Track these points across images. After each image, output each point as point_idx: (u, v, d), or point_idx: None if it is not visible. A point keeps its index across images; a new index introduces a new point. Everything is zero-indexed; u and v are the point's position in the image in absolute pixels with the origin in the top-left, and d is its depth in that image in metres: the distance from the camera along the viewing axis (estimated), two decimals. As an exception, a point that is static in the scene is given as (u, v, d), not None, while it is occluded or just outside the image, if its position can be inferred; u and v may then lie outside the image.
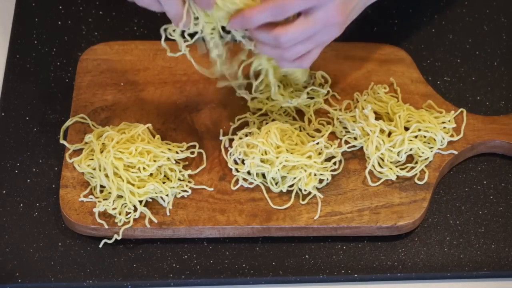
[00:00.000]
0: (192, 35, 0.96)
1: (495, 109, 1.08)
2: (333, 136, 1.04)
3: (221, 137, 1.03)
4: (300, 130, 1.04)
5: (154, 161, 0.99)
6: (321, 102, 1.05)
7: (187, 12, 0.93)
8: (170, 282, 0.98)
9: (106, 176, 0.98)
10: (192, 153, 1.03)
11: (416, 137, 1.02)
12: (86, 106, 1.06)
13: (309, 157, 1.00)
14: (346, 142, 1.03)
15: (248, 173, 1.01)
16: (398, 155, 1.02)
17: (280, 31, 0.93)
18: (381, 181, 1.01)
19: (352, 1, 0.95)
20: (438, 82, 1.10)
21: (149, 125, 1.02)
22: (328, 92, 1.07)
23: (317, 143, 1.01)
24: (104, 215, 0.98)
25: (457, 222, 1.01)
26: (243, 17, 0.92)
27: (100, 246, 0.98)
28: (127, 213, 0.98)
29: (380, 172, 1.01)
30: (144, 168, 0.99)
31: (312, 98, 1.06)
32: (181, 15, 0.93)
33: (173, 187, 1.00)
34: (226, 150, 1.02)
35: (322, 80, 1.08)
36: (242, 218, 0.99)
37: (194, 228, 0.98)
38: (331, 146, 1.02)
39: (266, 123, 1.04)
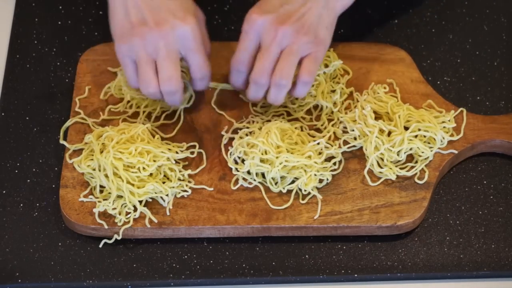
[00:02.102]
0: None
1: (495, 109, 1.08)
2: (333, 136, 1.04)
3: (223, 132, 1.03)
4: (302, 130, 1.04)
5: (154, 161, 0.99)
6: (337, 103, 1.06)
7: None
8: (170, 282, 0.98)
9: (106, 176, 0.98)
10: (192, 153, 1.03)
11: (416, 136, 1.02)
12: (86, 106, 1.06)
13: (309, 157, 1.00)
14: (346, 142, 1.03)
15: (248, 172, 1.01)
16: (398, 155, 1.02)
17: (256, 67, 1.00)
18: (381, 180, 1.01)
19: (293, 12, 0.99)
20: (438, 82, 1.10)
21: (148, 125, 1.02)
22: (351, 93, 1.07)
23: (318, 143, 1.01)
24: (104, 215, 0.98)
25: (457, 222, 1.01)
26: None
27: (100, 246, 0.98)
28: (127, 213, 0.98)
29: (380, 172, 1.01)
30: (143, 168, 0.99)
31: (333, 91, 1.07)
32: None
33: (173, 187, 1.00)
34: (226, 149, 1.02)
35: (342, 72, 1.08)
36: (242, 217, 0.98)
37: (194, 228, 0.98)
38: (332, 146, 1.02)
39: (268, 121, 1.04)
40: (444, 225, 1.01)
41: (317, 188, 1.00)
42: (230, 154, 1.02)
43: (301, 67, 0.99)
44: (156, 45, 0.98)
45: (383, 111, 1.04)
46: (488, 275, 0.99)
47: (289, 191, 1.00)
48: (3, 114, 1.07)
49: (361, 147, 1.02)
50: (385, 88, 1.07)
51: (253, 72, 1.00)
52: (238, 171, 1.01)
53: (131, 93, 1.05)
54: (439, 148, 1.03)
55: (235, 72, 1.02)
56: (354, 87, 1.07)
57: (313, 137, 1.03)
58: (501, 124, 1.05)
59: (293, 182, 1.00)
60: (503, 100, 1.09)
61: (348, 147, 1.03)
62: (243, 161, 1.01)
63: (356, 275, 0.98)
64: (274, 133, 1.00)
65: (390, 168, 1.01)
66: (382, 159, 1.01)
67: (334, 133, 1.04)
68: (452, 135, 1.04)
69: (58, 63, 1.11)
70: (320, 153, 1.01)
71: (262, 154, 1.00)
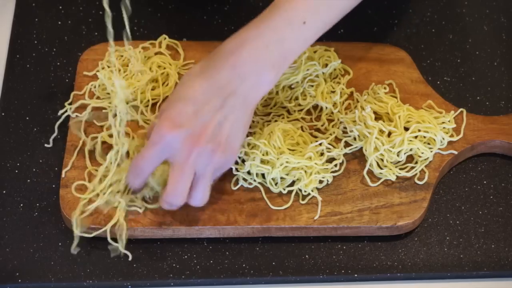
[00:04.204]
0: None
1: (495, 109, 1.08)
2: (334, 137, 1.04)
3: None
4: (303, 130, 1.04)
5: None
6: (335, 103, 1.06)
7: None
8: (170, 282, 0.98)
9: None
10: None
11: (416, 137, 1.02)
12: (86, 107, 1.06)
13: (310, 158, 1.00)
14: (347, 144, 1.03)
15: (248, 173, 1.01)
16: (398, 156, 1.02)
17: (164, 197, 0.93)
18: (381, 181, 1.01)
19: (210, 122, 0.90)
20: (438, 82, 1.10)
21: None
22: (352, 93, 1.07)
23: (320, 144, 1.01)
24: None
25: (457, 222, 1.01)
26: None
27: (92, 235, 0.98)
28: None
29: (380, 173, 1.01)
30: None
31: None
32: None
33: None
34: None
35: (342, 71, 1.08)
36: (242, 218, 0.99)
37: (194, 228, 0.98)
38: (334, 148, 1.02)
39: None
40: (444, 225, 1.01)
41: (317, 189, 1.00)
42: (230, 154, 1.02)
43: (195, 188, 0.93)
44: (206, 161, 0.92)
45: (383, 111, 1.04)
46: (488, 275, 0.99)
47: (289, 192, 1.00)
48: (3, 114, 1.07)
49: (362, 148, 1.02)
50: (385, 88, 1.07)
51: (166, 193, 0.92)
52: (238, 171, 1.01)
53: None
54: (439, 148, 1.03)
55: (133, 175, 0.94)
56: (354, 87, 1.07)
57: (315, 137, 1.03)
58: (501, 125, 1.05)
59: (293, 182, 1.00)
60: (503, 100, 1.09)
61: (350, 149, 1.03)
62: (243, 161, 1.01)
63: (356, 275, 0.98)
64: (277, 136, 1.00)
65: (390, 169, 1.01)
66: (382, 160, 1.01)
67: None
68: (452, 136, 1.04)
69: (58, 63, 1.11)
70: (322, 154, 1.01)
71: (263, 155, 1.00)
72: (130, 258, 0.97)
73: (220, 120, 0.91)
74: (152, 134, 0.91)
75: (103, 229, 0.96)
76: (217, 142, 0.91)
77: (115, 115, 0.98)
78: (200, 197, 0.94)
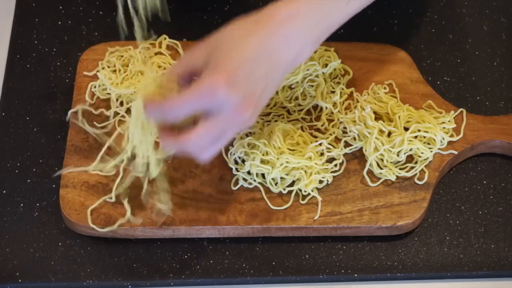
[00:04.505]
0: None
1: (495, 109, 1.08)
2: (335, 137, 1.04)
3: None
4: (303, 130, 1.04)
5: None
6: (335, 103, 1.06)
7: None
8: (170, 282, 0.98)
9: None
10: None
11: (416, 137, 1.02)
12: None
13: (310, 158, 1.00)
14: (347, 144, 1.03)
15: (248, 173, 1.01)
16: (397, 156, 1.02)
17: (184, 139, 0.88)
18: (380, 181, 1.01)
19: (256, 89, 0.88)
20: (438, 82, 1.10)
21: None
22: (352, 93, 1.07)
23: (320, 144, 1.01)
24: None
25: (457, 222, 1.01)
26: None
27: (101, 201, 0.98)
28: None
29: (379, 173, 1.01)
30: None
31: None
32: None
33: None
34: (227, 150, 1.02)
35: (342, 71, 1.08)
36: (242, 218, 0.99)
37: (194, 228, 0.98)
38: (334, 148, 1.02)
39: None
40: (444, 225, 1.01)
41: (317, 189, 1.00)
42: (230, 155, 1.02)
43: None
44: (240, 128, 0.90)
45: (383, 111, 1.04)
46: (488, 275, 0.99)
47: (289, 192, 1.00)
48: (3, 114, 1.07)
49: (361, 148, 1.02)
50: (385, 88, 1.07)
51: (188, 139, 0.88)
52: (238, 171, 1.01)
53: (118, 91, 1.04)
54: (439, 148, 1.03)
55: (160, 111, 0.89)
56: (354, 87, 1.07)
57: (315, 137, 1.03)
58: (501, 125, 1.05)
59: (293, 182, 1.00)
60: (503, 100, 1.09)
61: (350, 149, 1.03)
62: (243, 161, 1.01)
63: (356, 275, 0.98)
64: (277, 136, 1.00)
65: (390, 169, 1.01)
66: (382, 160, 1.01)
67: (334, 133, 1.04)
68: (452, 136, 1.04)
69: (58, 63, 1.11)
70: (321, 154, 1.01)
71: (263, 155, 1.00)
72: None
73: (263, 89, 0.89)
74: (203, 82, 0.86)
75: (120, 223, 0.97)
76: (255, 112, 0.89)
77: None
78: (211, 155, 0.90)
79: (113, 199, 0.98)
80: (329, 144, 1.02)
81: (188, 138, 0.88)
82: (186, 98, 0.87)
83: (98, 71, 1.07)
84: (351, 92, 1.07)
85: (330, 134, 1.03)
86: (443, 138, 1.03)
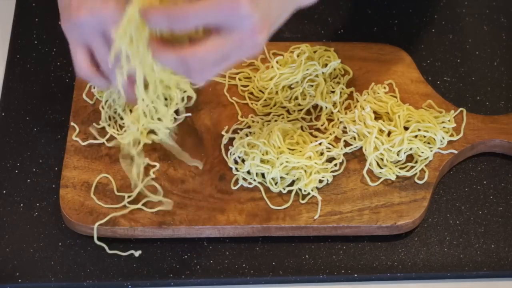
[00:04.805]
0: None
1: (495, 109, 1.08)
2: (335, 137, 1.04)
3: (223, 132, 1.03)
4: (303, 130, 1.04)
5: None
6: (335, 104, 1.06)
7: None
8: (170, 282, 0.98)
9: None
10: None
11: (416, 136, 1.02)
12: (87, 106, 1.06)
13: (309, 157, 1.00)
14: (347, 144, 1.03)
15: (248, 172, 1.01)
16: (397, 155, 1.02)
17: (188, 52, 0.82)
18: (380, 180, 1.01)
19: (273, 15, 0.84)
20: (438, 82, 1.10)
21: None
22: (351, 93, 1.07)
23: (320, 144, 1.01)
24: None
25: (457, 222, 1.01)
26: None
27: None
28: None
29: (379, 172, 1.01)
30: None
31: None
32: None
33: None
34: (226, 149, 1.02)
35: (342, 71, 1.08)
36: (242, 217, 0.99)
37: (194, 228, 0.98)
38: (334, 148, 1.02)
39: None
40: (444, 225, 1.01)
41: (317, 188, 1.00)
42: (230, 154, 1.02)
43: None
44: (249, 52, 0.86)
45: (383, 111, 1.04)
46: (488, 275, 0.99)
47: (289, 191, 1.00)
48: (3, 114, 1.07)
49: (361, 147, 1.02)
50: (385, 88, 1.07)
51: (196, 52, 0.82)
52: (238, 171, 1.01)
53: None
54: (439, 148, 1.03)
55: (170, 17, 0.81)
56: (354, 87, 1.07)
57: (315, 137, 1.03)
58: (501, 124, 1.05)
59: (293, 182, 1.00)
60: (503, 100, 1.09)
61: (349, 149, 1.03)
62: (243, 161, 1.01)
63: (356, 275, 0.98)
64: (277, 135, 1.00)
65: (390, 168, 1.01)
66: (382, 159, 1.01)
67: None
68: (452, 135, 1.04)
69: (58, 63, 1.11)
70: (321, 154, 1.01)
71: (263, 154, 1.00)
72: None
73: (277, 17, 0.85)
74: None
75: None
76: (266, 38, 0.84)
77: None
78: (208, 77, 0.85)
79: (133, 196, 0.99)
80: (329, 143, 1.02)
81: (193, 51, 0.82)
82: (204, 6, 0.81)
83: None
84: (351, 92, 1.07)
85: (330, 134, 1.03)
86: (443, 138, 1.03)
